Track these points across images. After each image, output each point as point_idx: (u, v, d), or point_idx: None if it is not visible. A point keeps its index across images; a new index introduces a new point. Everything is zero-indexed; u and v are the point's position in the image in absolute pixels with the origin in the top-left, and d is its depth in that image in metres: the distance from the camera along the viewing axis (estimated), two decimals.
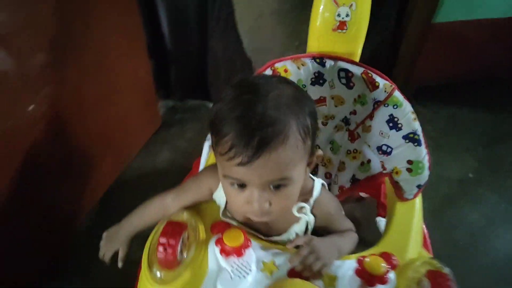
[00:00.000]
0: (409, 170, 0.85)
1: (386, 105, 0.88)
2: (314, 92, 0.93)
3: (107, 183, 1.46)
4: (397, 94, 0.86)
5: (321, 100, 0.95)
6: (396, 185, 0.88)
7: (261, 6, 1.57)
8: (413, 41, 1.73)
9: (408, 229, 0.80)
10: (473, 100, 1.83)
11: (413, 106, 0.88)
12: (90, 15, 1.18)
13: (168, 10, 1.54)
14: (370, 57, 1.62)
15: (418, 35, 1.69)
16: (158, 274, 0.67)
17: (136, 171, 1.55)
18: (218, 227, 0.74)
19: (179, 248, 0.67)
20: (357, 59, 0.93)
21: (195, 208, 0.79)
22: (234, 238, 0.69)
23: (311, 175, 0.80)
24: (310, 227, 0.79)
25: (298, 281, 0.65)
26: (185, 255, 0.69)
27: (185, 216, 0.75)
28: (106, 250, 0.86)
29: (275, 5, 1.57)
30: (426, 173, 0.85)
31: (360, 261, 0.70)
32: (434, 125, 1.74)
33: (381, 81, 0.87)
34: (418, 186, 0.85)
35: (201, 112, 1.84)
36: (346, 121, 0.99)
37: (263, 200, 0.64)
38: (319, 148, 1.04)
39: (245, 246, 0.69)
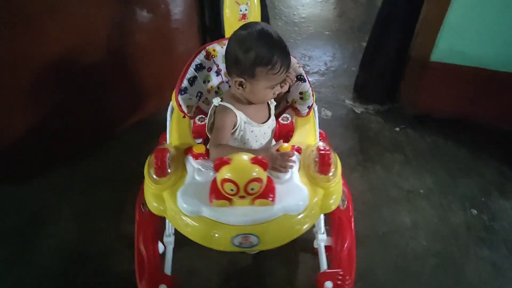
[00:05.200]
0: (301, 98, 1.25)
1: None
2: None
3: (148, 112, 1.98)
4: None
5: None
6: (295, 110, 1.27)
7: None
8: (415, 72, 1.94)
9: (307, 132, 1.22)
10: (459, 136, 1.98)
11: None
12: None
13: None
14: (377, 76, 2.11)
15: (418, 67, 1.92)
16: (156, 178, 1.02)
17: None
18: (189, 150, 1.11)
19: (167, 164, 1.04)
20: None
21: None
22: (199, 149, 1.08)
23: None
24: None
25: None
26: (169, 169, 1.05)
27: (168, 147, 1.10)
28: None
29: None
30: (311, 99, 1.24)
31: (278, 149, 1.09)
32: (414, 146, 1.92)
33: None
34: (308, 107, 1.24)
35: None
36: None
37: (280, 88, 1.11)
38: None
39: (197, 156, 1.08)
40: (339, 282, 1.10)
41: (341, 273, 1.13)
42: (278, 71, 1.03)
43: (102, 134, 1.86)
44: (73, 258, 1.40)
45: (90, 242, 1.45)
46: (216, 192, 0.94)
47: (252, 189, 0.90)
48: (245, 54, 1.02)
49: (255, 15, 1.29)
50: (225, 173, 0.89)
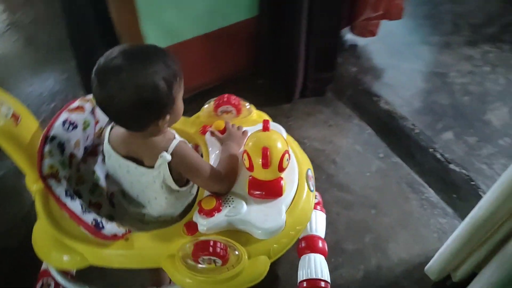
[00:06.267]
0: None
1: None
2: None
3: None
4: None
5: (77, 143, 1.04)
6: None
7: None
8: None
9: None
10: None
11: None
12: None
13: None
14: None
15: None
16: (232, 264, 0.86)
17: None
18: (191, 226, 0.91)
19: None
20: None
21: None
22: (210, 203, 0.91)
23: None
24: None
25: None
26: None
27: (200, 238, 0.89)
28: None
29: None
30: None
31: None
32: None
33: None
34: None
35: None
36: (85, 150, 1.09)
37: None
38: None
39: (218, 205, 0.91)
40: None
41: None
42: (181, 75, 0.89)
43: None
44: None
45: None
46: (269, 192, 0.93)
47: None
48: (157, 93, 0.82)
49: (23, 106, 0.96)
50: (275, 155, 0.86)
